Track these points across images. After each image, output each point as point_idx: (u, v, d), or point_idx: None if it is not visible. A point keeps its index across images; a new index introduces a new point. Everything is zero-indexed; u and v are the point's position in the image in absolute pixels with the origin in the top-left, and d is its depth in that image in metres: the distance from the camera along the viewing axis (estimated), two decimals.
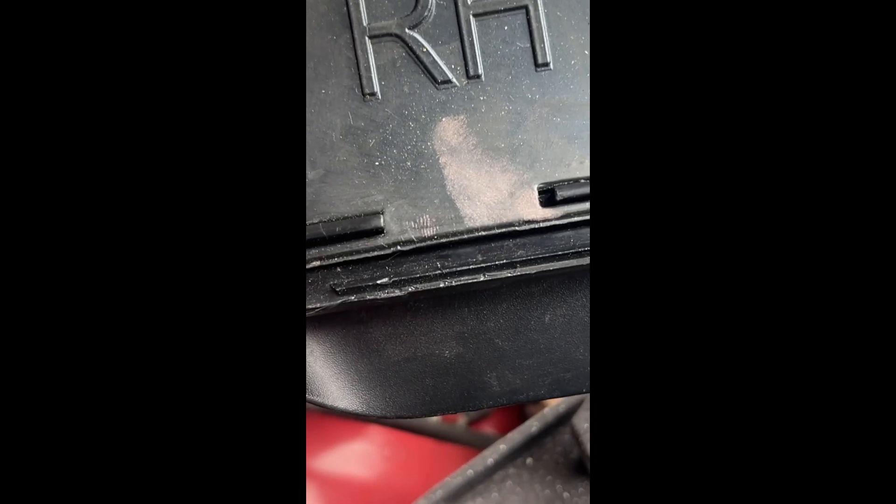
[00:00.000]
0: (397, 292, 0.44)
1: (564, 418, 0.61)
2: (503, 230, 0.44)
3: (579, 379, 0.48)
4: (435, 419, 0.99)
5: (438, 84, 0.44)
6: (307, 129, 0.43)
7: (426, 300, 0.48)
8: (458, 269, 0.44)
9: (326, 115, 0.43)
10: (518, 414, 1.03)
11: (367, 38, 0.43)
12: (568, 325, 0.48)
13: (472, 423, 0.95)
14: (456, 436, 0.91)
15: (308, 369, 0.48)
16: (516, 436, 0.60)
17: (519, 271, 0.45)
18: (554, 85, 0.44)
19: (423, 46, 0.43)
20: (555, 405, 0.62)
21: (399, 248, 0.43)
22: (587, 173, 0.43)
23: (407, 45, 0.43)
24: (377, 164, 0.44)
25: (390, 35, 0.43)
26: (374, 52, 0.43)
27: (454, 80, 0.44)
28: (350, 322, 0.48)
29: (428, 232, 0.44)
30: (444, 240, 0.44)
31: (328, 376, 0.49)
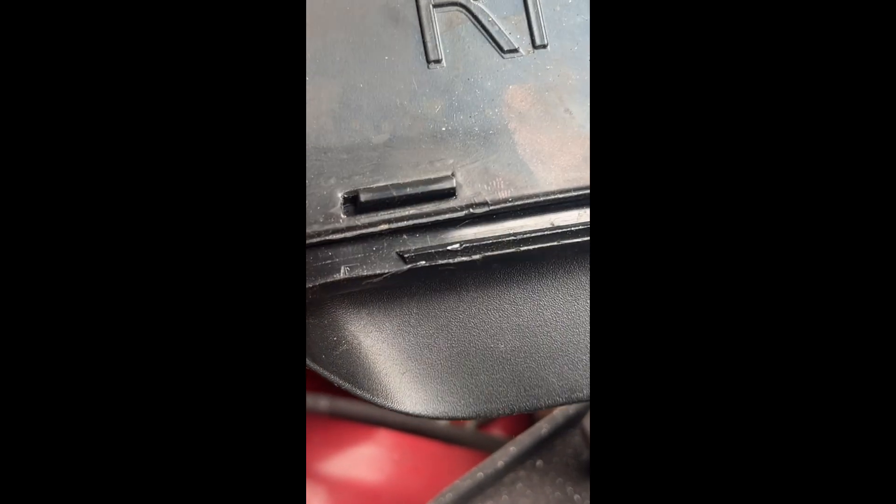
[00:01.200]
0: (470, 257, 0.41)
1: (574, 420, 0.60)
2: (579, 193, 0.42)
3: None
4: (444, 421, 0.93)
5: (504, 52, 0.44)
6: (371, 94, 0.42)
7: (479, 288, 0.45)
8: (531, 234, 0.42)
9: (390, 82, 0.43)
10: (526, 416, 1.00)
11: (431, 6, 0.43)
12: None
13: (481, 425, 0.95)
14: (464, 438, 0.88)
15: (359, 362, 0.44)
16: (526, 438, 0.60)
17: (586, 238, 0.42)
18: None
19: (488, 16, 0.44)
20: (565, 408, 0.61)
21: (472, 210, 0.41)
22: None
23: (472, 13, 0.44)
24: (444, 129, 0.43)
25: (455, 4, 0.44)
26: (439, 20, 0.44)
27: (520, 48, 0.44)
28: (401, 314, 0.45)
29: (502, 195, 0.42)
30: (518, 202, 0.42)
31: (380, 371, 0.45)
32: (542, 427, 0.59)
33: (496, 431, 1.00)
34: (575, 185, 0.42)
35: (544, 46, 0.44)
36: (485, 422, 0.89)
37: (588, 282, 0.46)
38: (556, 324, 0.46)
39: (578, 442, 0.59)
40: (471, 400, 0.46)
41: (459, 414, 0.46)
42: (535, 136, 0.43)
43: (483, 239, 0.42)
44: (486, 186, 0.42)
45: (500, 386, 0.46)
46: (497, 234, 0.42)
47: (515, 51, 0.44)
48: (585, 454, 0.59)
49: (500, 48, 0.44)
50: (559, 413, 0.60)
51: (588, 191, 0.42)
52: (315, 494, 0.86)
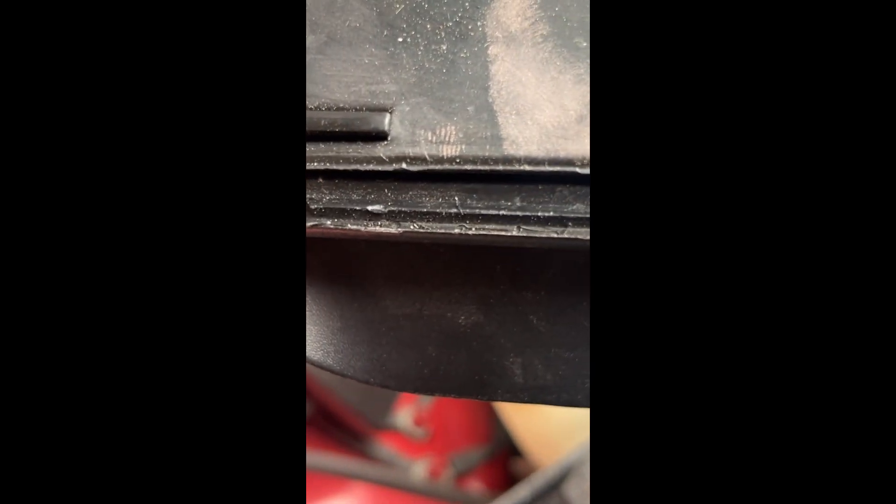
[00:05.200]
0: (391, 228, 0.30)
1: (554, 485, 0.58)
2: (557, 169, 0.29)
3: None
4: (420, 473, 0.91)
5: None
6: None
7: (445, 244, 0.34)
8: (484, 211, 0.30)
9: None
10: (506, 470, 0.98)
11: None
12: None
13: (459, 476, 0.95)
14: (442, 493, 0.88)
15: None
16: (504, 502, 0.59)
17: (569, 233, 0.29)
18: None
19: None
20: (544, 471, 0.58)
21: (405, 165, 0.30)
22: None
23: None
24: (400, 39, 0.31)
25: None
26: None
27: None
28: (343, 252, 0.36)
29: (449, 150, 0.30)
30: (469, 166, 0.30)
31: (307, 318, 0.37)
32: (522, 490, 0.58)
33: (474, 485, 0.96)
34: (557, 155, 0.29)
35: None
36: (463, 472, 0.88)
37: (577, 269, 0.34)
38: (536, 306, 0.35)
39: None
40: (413, 373, 0.37)
41: (398, 386, 0.38)
42: (520, 72, 0.30)
43: (418, 204, 0.31)
44: (429, 135, 0.30)
45: (450, 365, 0.37)
46: (437, 203, 0.30)
47: None
48: None
49: None
50: (539, 477, 0.58)
51: (576, 169, 0.29)
52: None
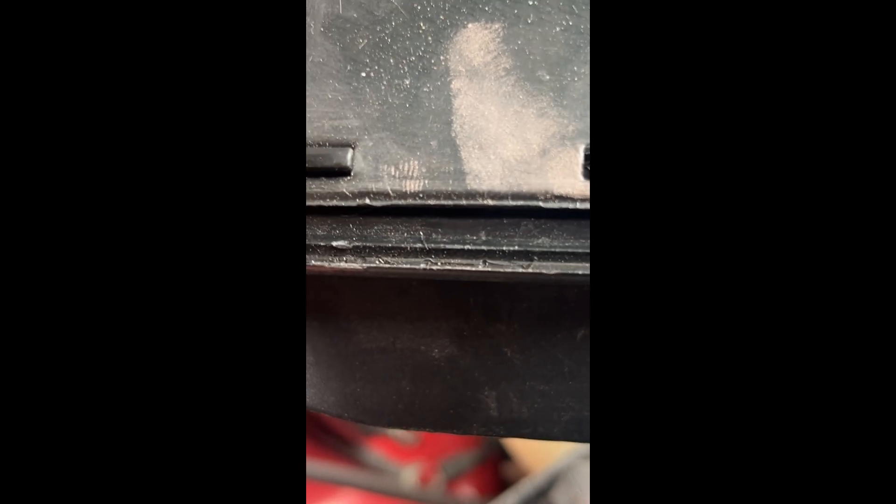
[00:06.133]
0: (355, 264, 0.30)
1: (542, 492, 0.61)
2: (521, 203, 0.29)
3: None
4: (411, 478, 0.91)
5: None
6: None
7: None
8: (449, 246, 0.30)
9: None
10: (496, 475, 0.97)
11: None
12: None
13: (450, 481, 0.94)
14: (432, 498, 0.88)
15: None
16: None
17: (534, 268, 0.29)
18: None
19: None
20: (532, 477, 0.59)
21: (368, 200, 0.30)
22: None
23: None
24: (363, 74, 0.30)
25: None
26: None
27: None
28: (314, 286, 0.35)
29: (412, 186, 0.29)
30: (432, 202, 0.29)
31: None
32: (509, 499, 0.57)
33: (465, 490, 0.96)
34: (520, 189, 0.29)
35: None
36: (454, 476, 0.87)
37: (550, 302, 0.34)
38: (510, 339, 0.35)
39: None
40: (387, 407, 0.37)
41: (372, 421, 0.38)
42: (483, 106, 0.30)
43: (383, 240, 0.30)
44: (392, 170, 0.30)
45: (424, 399, 0.37)
46: (402, 238, 0.30)
47: None
48: None
49: None
50: (527, 484, 0.56)
51: (539, 203, 0.29)
52: None
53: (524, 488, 0.54)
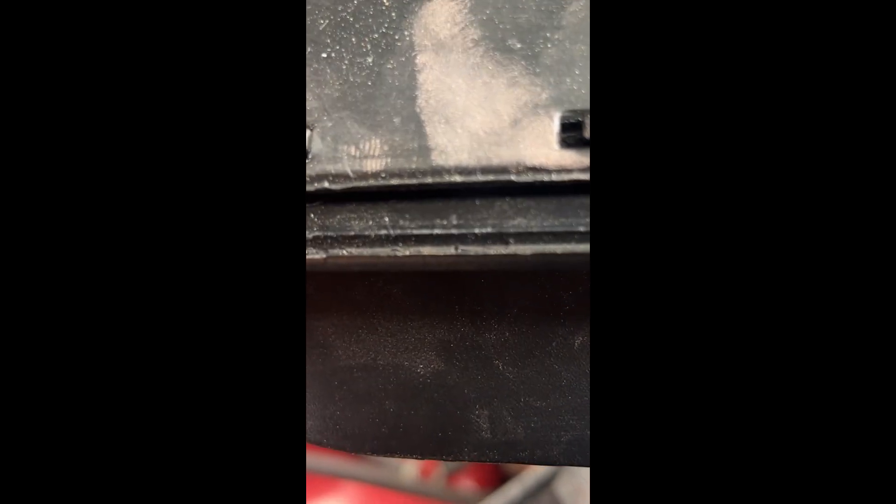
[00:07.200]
0: (316, 255, 0.28)
1: (545, 483, 0.58)
2: (492, 178, 0.26)
3: None
4: (412, 471, 0.90)
5: None
6: None
7: (396, 280, 0.31)
8: (417, 231, 0.27)
9: None
10: (497, 468, 0.98)
11: None
12: None
13: (451, 474, 0.91)
14: (433, 492, 0.86)
15: None
16: (496, 500, 0.58)
17: (512, 249, 0.26)
18: None
19: None
20: (535, 468, 0.58)
21: (328, 184, 0.27)
22: None
23: None
24: (324, 55, 0.29)
25: None
26: None
27: None
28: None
29: (373, 165, 0.27)
30: (396, 181, 0.27)
31: None
32: (512, 489, 0.58)
33: (466, 483, 0.92)
34: (490, 163, 0.26)
35: None
36: (455, 470, 0.86)
37: (542, 305, 0.31)
38: (500, 349, 0.32)
39: None
40: (370, 431, 0.33)
41: (354, 448, 0.34)
42: (449, 79, 0.27)
43: (345, 228, 0.28)
44: (351, 150, 0.27)
45: (410, 421, 0.33)
46: (366, 225, 0.28)
47: None
48: None
49: None
50: (529, 475, 0.57)
51: (511, 177, 0.26)
52: None
53: (527, 479, 0.52)
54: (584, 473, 0.77)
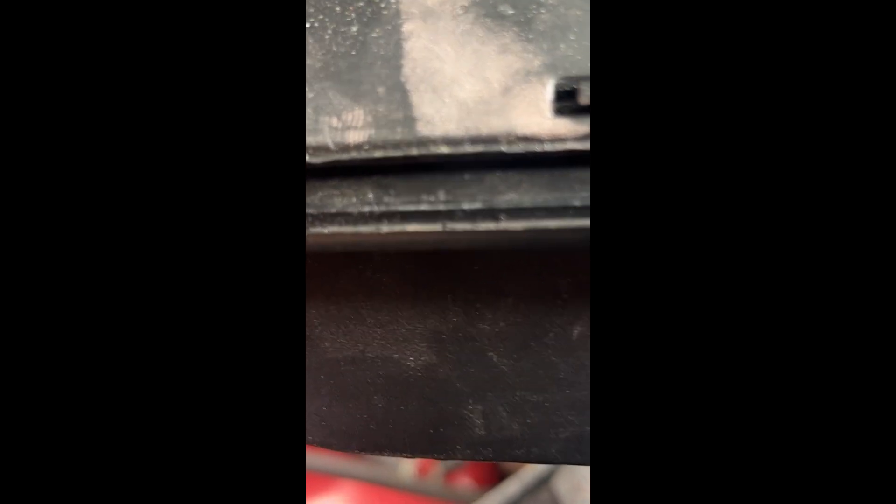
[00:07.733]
0: None
1: (544, 480, 0.57)
2: (482, 149, 0.25)
3: None
4: (409, 469, 0.89)
5: None
6: None
7: (385, 268, 0.29)
8: (402, 208, 0.25)
9: None
10: (495, 466, 0.97)
11: None
12: None
13: (448, 472, 0.91)
14: (431, 490, 0.86)
15: None
16: (494, 497, 0.57)
17: (503, 225, 0.24)
18: None
19: None
20: (534, 465, 0.54)
21: (308, 157, 0.26)
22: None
23: None
24: (307, 26, 0.27)
25: None
26: None
27: None
28: None
29: (356, 137, 0.26)
30: (379, 153, 0.25)
31: None
32: (511, 486, 0.60)
33: (464, 481, 0.91)
34: (479, 133, 0.25)
35: None
36: (453, 468, 0.85)
37: (539, 294, 0.29)
38: (495, 341, 0.30)
39: (547, 501, 0.55)
40: (358, 428, 0.32)
41: (341, 445, 0.32)
42: (437, 47, 0.26)
43: (327, 205, 0.26)
44: (333, 121, 0.26)
45: (400, 417, 0.31)
46: (349, 202, 0.26)
47: None
48: None
49: None
50: (529, 471, 0.57)
51: (502, 147, 0.24)
52: None
53: (526, 476, 0.51)
54: (583, 471, 0.76)
